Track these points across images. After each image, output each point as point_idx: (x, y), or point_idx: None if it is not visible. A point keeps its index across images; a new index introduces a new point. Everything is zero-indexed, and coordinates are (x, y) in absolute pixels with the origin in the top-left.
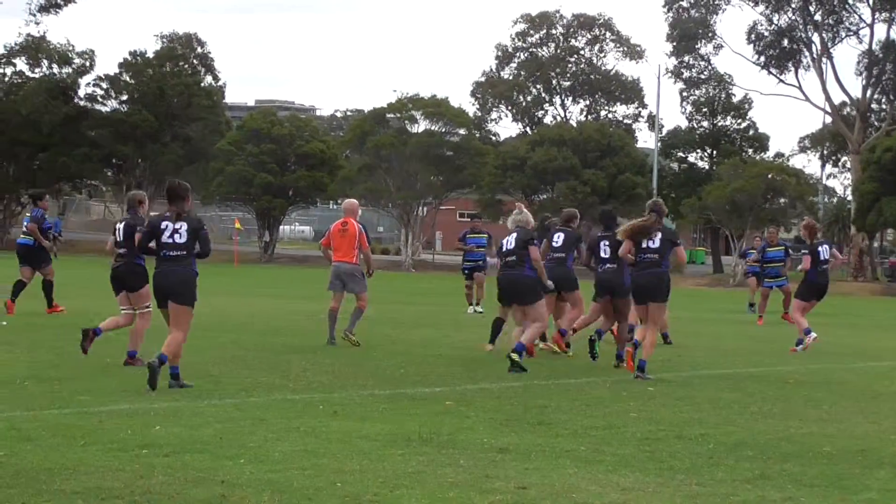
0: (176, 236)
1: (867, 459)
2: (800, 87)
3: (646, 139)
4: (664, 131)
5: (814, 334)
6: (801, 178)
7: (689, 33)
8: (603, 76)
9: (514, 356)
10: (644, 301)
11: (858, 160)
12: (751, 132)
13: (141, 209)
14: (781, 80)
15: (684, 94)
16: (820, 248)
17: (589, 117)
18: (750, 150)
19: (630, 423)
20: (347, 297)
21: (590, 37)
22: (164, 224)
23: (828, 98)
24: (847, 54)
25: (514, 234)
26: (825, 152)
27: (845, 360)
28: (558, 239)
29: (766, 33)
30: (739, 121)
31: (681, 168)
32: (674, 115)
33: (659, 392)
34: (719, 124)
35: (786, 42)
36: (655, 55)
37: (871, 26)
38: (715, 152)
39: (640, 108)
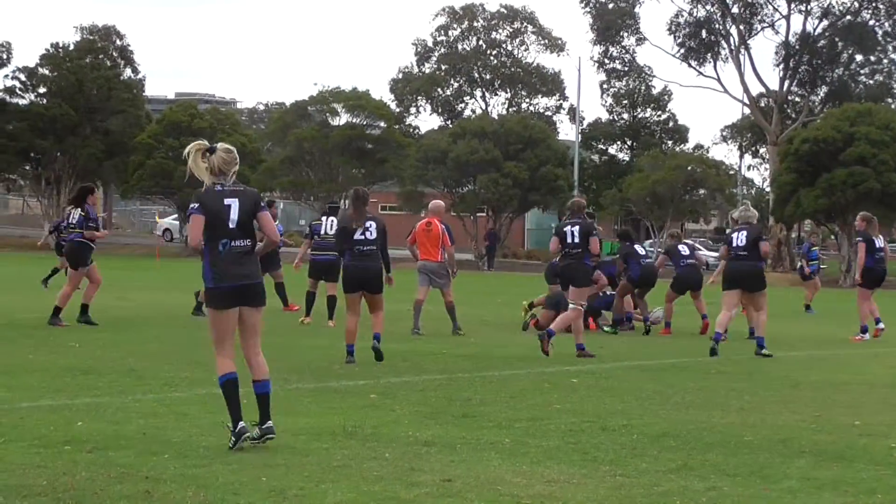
0: (367, 233)
1: (787, 448)
2: (718, 79)
3: (567, 131)
4: (585, 123)
5: (881, 325)
6: (720, 170)
7: (611, 25)
8: (524, 69)
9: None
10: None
11: (776, 151)
12: (671, 124)
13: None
14: (700, 72)
15: (605, 86)
16: (874, 238)
17: (510, 110)
18: (670, 142)
19: (554, 414)
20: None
21: (511, 30)
22: (354, 224)
23: (746, 90)
24: (765, 46)
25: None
26: (744, 144)
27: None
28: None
29: (686, 25)
30: (659, 113)
31: (601, 160)
32: (595, 108)
33: (582, 384)
34: (639, 116)
35: (704, 34)
36: (577, 47)
37: (788, 18)
38: (635, 144)
39: (561, 101)
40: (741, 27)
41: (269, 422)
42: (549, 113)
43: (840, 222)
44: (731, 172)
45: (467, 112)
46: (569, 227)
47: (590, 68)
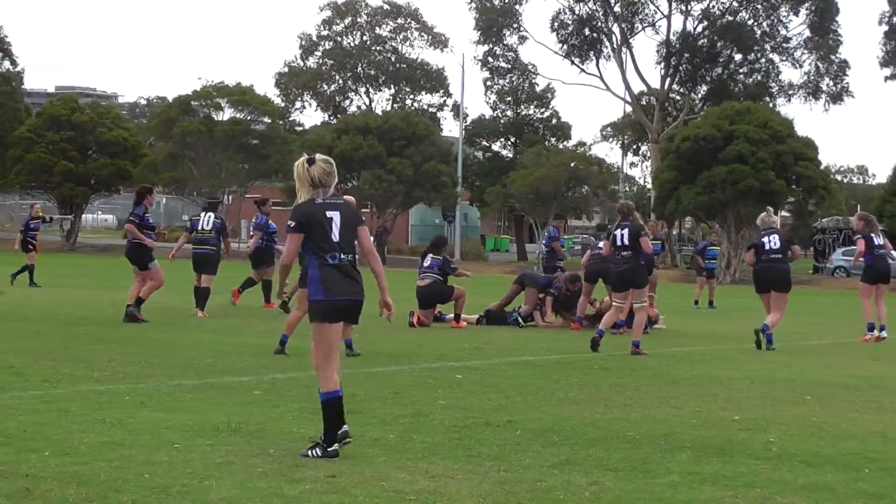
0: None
1: (669, 443)
2: (601, 77)
3: (451, 128)
4: (469, 120)
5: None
6: (602, 167)
7: (494, 23)
8: (408, 65)
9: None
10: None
11: (658, 149)
12: (553, 121)
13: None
14: (583, 70)
15: (489, 83)
16: (872, 235)
17: (394, 106)
18: (553, 139)
19: (438, 410)
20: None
21: (395, 25)
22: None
23: (628, 88)
24: (647, 45)
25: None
26: (626, 141)
27: (646, 346)
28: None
29: (569, 23)
30: (543, 110)
31: (485, 157)
32: (478, 104)
33: (466, 379)
34: (523, 113)
35: (587, 32)
36: (460, 44)
37: (669, 17)
38: (518, 141)
39: (445, 97)
40: (623, 26)
41: (345, 426)
42: (432, 109)
43: (720, 219)
44: (614, 170)
45: (352, 108)
46: (619, 230)
47: (474, 65)
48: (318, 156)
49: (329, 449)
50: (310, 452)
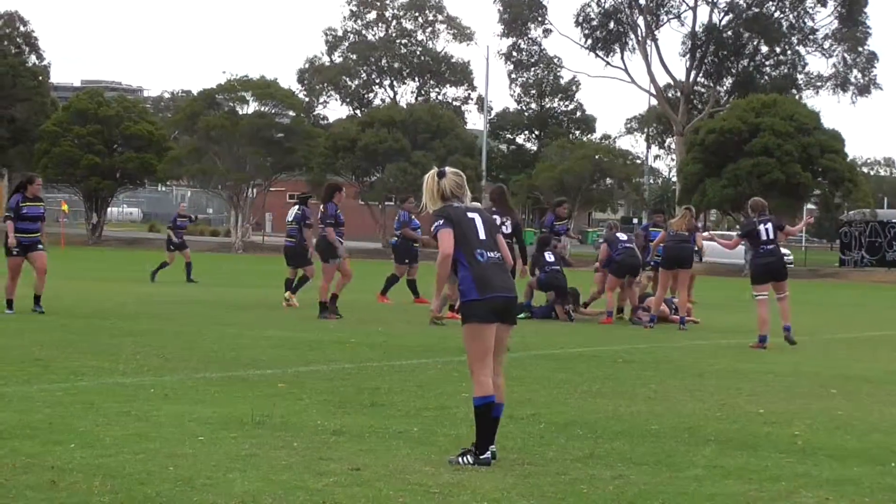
0: (504, 228)
1: (693, 437)
2: (626, 70)
3: (475, 121)
4: (493, 113)
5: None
6: (627, 160)
7: (519, 16)
8: (433, 58)
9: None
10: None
11: (683, 142)
12: (578, 114)
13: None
14: (608, 63)
15: (513, 76)
16: (760, 227)
17: (419, 99)
18: (577, 132)
19: (462, 403)
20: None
21: (421, 19)
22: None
23: (653, 80)
24: (672, 37)
25: (771, 223)
26: (651, 134)
27: (673, 339)
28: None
29: (594, 16)
30: (567, 103)
31: (509, 149)
32: (503, 97)
33: None
34: (547, 106)
35: (612, 25)
36: (485, 37)
37: (694, 9)
38: (543, 134)
39: (469, 91)
40: (648, 18)
41: (493, 447)
42: (457, 102)
43: (745, 212)
44: (638, 162)
45: (376, 101)
46: (761, 225)
47: (498, 58)
48: (448, 169)
49: (482, 456)
50: (460, 459)
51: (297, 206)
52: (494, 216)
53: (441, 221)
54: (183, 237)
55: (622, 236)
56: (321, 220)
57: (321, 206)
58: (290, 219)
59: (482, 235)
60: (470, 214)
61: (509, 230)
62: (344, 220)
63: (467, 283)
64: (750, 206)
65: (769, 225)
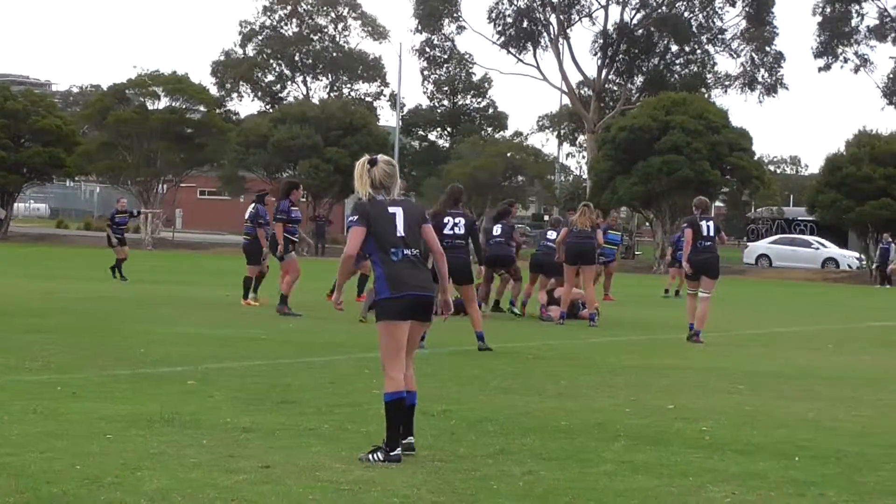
0: (456, 229)
1: (604, 432)
2: (538, 67)
3: (388, 118)
4: (406, 110)
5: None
6: (539, 157)
7: (433, 12)
8: (346, 54)
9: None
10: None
11: (594, 139)
12: (490, 111)
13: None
14: (521, 60)
15: (426, 73)
16: (702, 223)
17: (332, 95)
18: (489, 129)
19: (374, 400)
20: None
21: (334, 15)
22: (446, 219)
23: (565, 78)
24: (584, 35)
25: (712, 222)
26: (562, 131)
27: (584, 336)
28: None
29: (507, 13)
30: (479, 100)
31: (422, 146)
32: (415, 94)
33: None
34: (459, 103)
35: (525, 22)
36: (399, 34)
37: (606, 8)
38: (455, 131)
39: (382, 87)
40: (561, 16)
41: (411, 437)
42: (370, 99)
43: (655, 209)
44: (550, 160)
45: (289, 97)
46: (703, 222)
47: (411, 55)
48: (380, 157)
49: (392, 453)
50: (370, 457)
51: (252, 205)
52: (448, 218)
53: (355, 218)
54: (124, 234)
55: (551, 234)
56: (273, 217)
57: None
58: (246, 217)
59: (400, 232)
60: (391, 209)
61: (462, 231)
62: (300, 216)
63: (381, 282)
64: (694, 204)
65: (710, 223)
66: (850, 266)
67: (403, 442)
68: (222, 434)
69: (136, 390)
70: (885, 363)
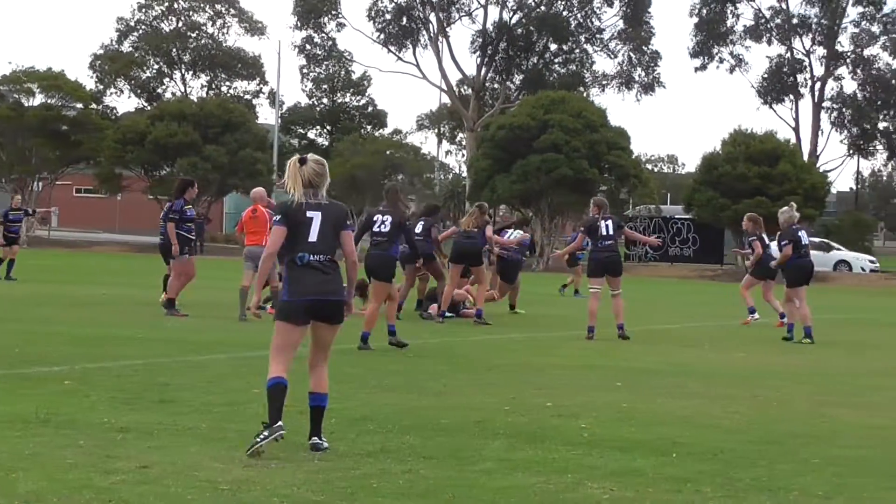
0: (383, 227)
1: (483, 430)
2: (417, 66)
3: (267, 115)
4: (285, 108)
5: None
6: (418, 155)
7: (313, 9)
8: (224, 52)
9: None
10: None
11: (473, 137)
12: (370, 109)
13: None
14: (400, 58)
15: (305, 70)
16: (601, 223)
17: (210, 93)
18: (369, 127)
19: (252, 399)
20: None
21: (212, 12)
22: (376, 217)
23: (444, 76)
24: (464, 34)
25: (611, 221)
26: (442, 130)
27: (465, 334)
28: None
29: (387, 10)
30: (359, 98)
31: (301, 144)
32: (295, 92)
33: None
34: (339, 101)
35: (405, 20)
36: (278, 30)
37: (485, 7)
38: (334, 129)
39: (261, 85)
40: (440, 14)
41: (316, 438)
42: (248, 97)
43: (534, 207)
44: (429, 158)
45: (167, 94)
46: (602, 221)
47: (290, 52)
48: (310, 155)
49: (273, 425)
50: (257, 440)
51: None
52: (377, 216)
53: (279, 218)
54: (19, 232)
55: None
56: (163, 217)
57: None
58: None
59: (312, 237)
60: (309, 214)
61: (388, 228)
62: (195, 215)
63: (284, 284)
64: (594, 203)
65: (609, 222)
66: (863, 269)
67: (310, 442)
68: (99, 434)
69: (11, 391)
70: (759, 360)
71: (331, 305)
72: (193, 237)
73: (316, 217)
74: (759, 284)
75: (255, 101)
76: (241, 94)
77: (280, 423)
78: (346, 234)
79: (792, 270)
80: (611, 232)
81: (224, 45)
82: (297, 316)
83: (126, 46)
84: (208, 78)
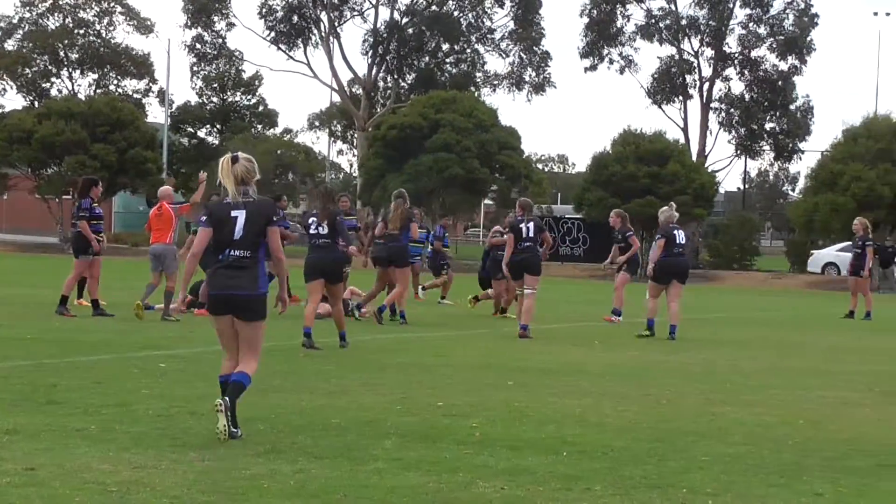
0: (320, 228)
1: (374, 430)
2: (309, 65)
3: (156, 114)
4: (174, 107)
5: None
6: (310, 155)
7: (203, 7)
8: (113, 50)
9: None
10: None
11: (365, 137)
12: (261, 108)
13: None
14: (291, 57)
15: (195, 69)
16: (523, 226)
17: (98, 91)
18: (259, 127)
19: (142, 400)
20: None
21: (99, 9)
22: (311, 219)
23: (335, 75)
24: (355, 33)
25: (533, 223)
26: (333, 129)
27: (355, 333)
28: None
29: (278, 9)
30: (250, 97)
31: (191, 143)
32: (185, 91)
33: (171, 368)
34: (229, 100)
35: (296, 19)
36: (167, 29)
37: (376, 7)
38: (225, 128)
39: (150, 83)
40: (332, 14)
41: (234, 429)
42: (138, 95)
43: (426, 207)
44: (320, 158)
45: (53, 92)
46: (523, 224)
47: (180, 50)
48: (240, 154)
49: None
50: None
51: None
52: (312, 218)
53: (203, 219)
54: None
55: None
56: (73, 215)
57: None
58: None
59: (237, 235)
60: (234, 213)
61: (325, 230)
62: (102, 213)
63: (207, 278)
64: (518, 204)
65: (531, 224)
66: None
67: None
68: None
69: None
70: (650, 359)
71: (239, 300)
72: (101, 237)
73: (240, 215)
74: (629, 281)
75: (144, 100)
76: (131, 93)
77: (234, 429)
78: (272, 230)
79: (661, 267)
80: (531, 234)
81: (112, 42)
82: (215, 308)
83: (10, 44)
84: (96, 76)
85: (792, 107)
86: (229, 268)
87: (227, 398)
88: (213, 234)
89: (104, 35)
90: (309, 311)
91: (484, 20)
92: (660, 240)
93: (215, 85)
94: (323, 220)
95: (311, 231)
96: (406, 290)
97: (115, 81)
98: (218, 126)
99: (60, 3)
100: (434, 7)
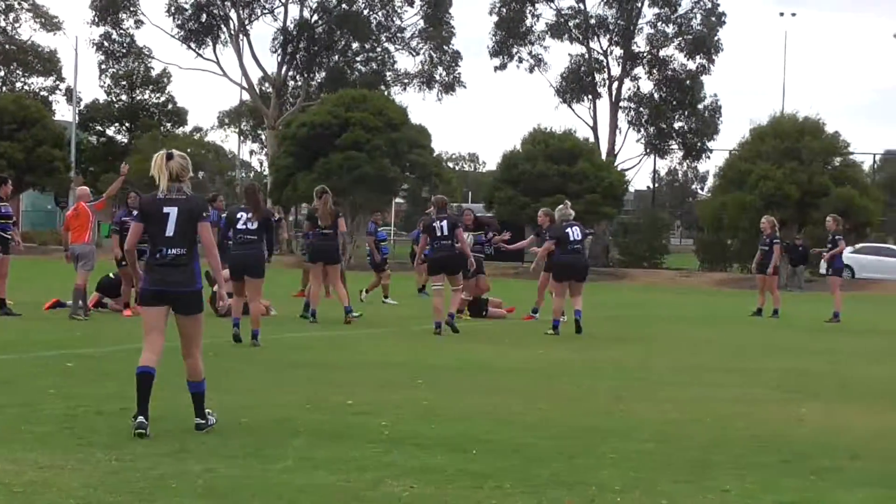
0: (249, 224)
1: (284, 429)
2: (218, 63)
3: (64, 112)
4: (82, 104)
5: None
6: (219, 153)
7: (111, 4)
8: (18, 47)
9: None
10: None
11: (275, 135)
12: (170, 106)
13: None
14: (200, 55)
15: (103, 66)
16: (436, 224)
17: (4, 89)
18: (169, 125)
19: (48, 399)
20: None
21: (3, 5)
22: (239, 214)
23: (245, 74)
24: (265, 31)
25: (446, 221)
26: (243, 127)
27: (263, 332)
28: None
29: (186, 6)
30: (158, 95)
31: (99, 142)
32: (93, 89)
33: (78, 368)
34: (138, 98)
35: (205, 17)
36: (75, 26)
37: (286, 5)
38: (134, 126)
39: (58, 81)
40: (241, 12)
41: (199, 419)
42: (45, 93)
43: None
44: (230, 156)
45: None
46: (438, 222)
47: (88, 48)
48: (174, 152)
49: (136, 419)
50: (131, 423)
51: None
52: (241, 213)
53: (135, 214)
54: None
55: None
56: None
57: None
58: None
59: (169, 232)
60: (165, 209)
61: (255, 226)
62: (11, 212)
63: (144, 272)
64: (433, 202)
65: (445, 223)
66: None
67: (195, 421)
68: None
69: None
70: (559, 356)
71: (177, 296)
72: (9, 236)
73: (172, 212)
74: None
75: (51, 98)
76: (37, 91)
77: (142, 418)
78: (203, 225)
79: (557, 266)
80: (445, 232)
81: (18, 39)
82: (148, 299)
83: None
84: (2, 74)
85: (700, 106)
86: (165, 266)
87: (196, 418)
88: (144, 228)
89: (9, 32)
90: (235, 304)
91: (394, 19)
92: (550, 241)
93: (124, 83)
94: (256, 217)
95: (239, 226)
96: (340, 284)
97: (22, 79)
98: (127, 124)
99: None
100: (344, 6)
